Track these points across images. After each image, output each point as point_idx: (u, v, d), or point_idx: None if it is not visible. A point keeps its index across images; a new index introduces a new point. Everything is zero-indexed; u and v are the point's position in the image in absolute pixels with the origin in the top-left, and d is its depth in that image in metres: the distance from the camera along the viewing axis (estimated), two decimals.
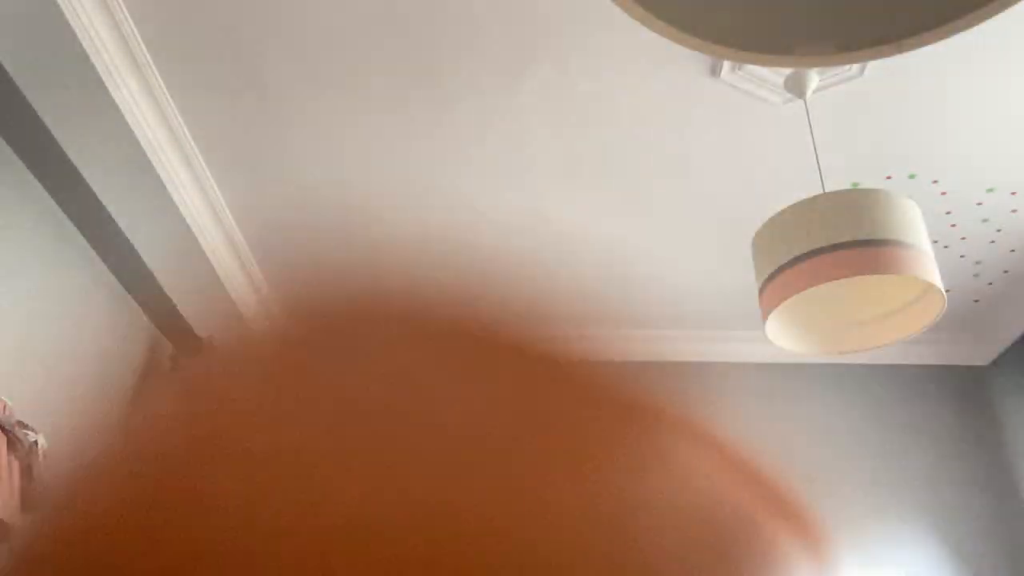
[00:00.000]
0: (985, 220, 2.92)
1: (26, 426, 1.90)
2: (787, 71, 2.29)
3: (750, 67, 2.34)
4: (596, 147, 2.65)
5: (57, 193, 2.31)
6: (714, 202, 2.89)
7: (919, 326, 1.96)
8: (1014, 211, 2.86)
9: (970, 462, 3.40)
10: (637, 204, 2.91)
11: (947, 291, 3.32)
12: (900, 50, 0.72)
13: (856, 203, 1.84)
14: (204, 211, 2.92)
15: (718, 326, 3.66)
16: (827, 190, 2.71)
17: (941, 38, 0.70)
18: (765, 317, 1.95)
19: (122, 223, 2.44)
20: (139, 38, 2.29)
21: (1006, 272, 3.21)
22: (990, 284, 3.29)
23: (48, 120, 2.05)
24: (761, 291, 1.96)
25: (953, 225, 2.95)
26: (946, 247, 3.06)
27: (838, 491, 3.36)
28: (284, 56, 2.34)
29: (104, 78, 2.27)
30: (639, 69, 2.35)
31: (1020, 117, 2.48)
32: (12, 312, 2.18)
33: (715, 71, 2.35)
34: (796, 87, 2.28)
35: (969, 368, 3.62)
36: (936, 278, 1.80)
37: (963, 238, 3.01)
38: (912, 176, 2.73)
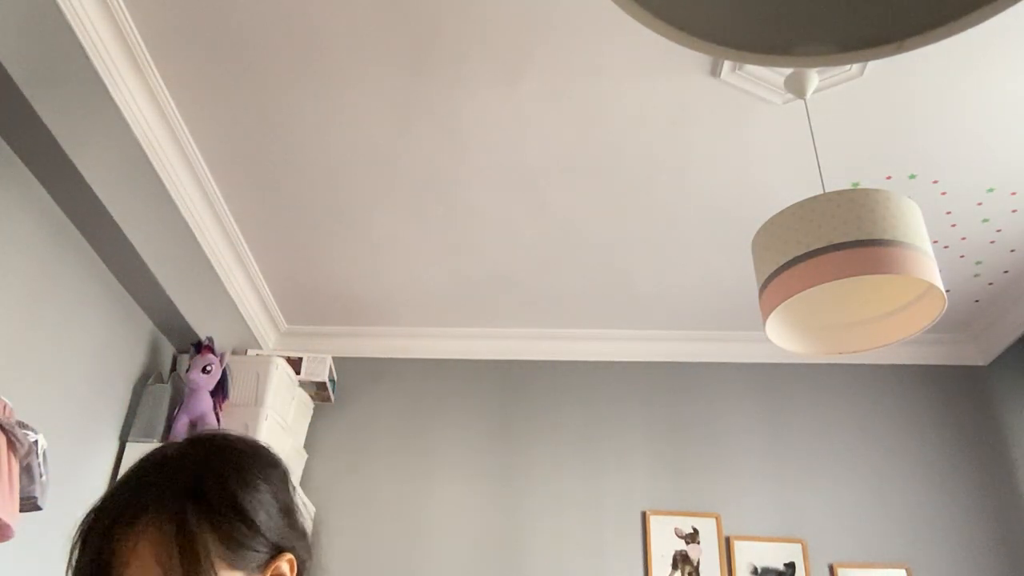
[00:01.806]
0: (985, 220, 2.92)
1: (26, 426, 1.90)
2: (787, 71, 2.29)
3: (750, 67, 2.34)
4: (596, 147, 2.65)
5: (57, 193, 2.31)
6: (714, 202, 2.88)
7: (919, 326, 1.96)
8: (1014, 211, 2.87)
9: (970, 462, 3.40)
10: (637, 204, 2.91)
11: (947, 291, 3.33)
12: (900, 50, 0.72)
13: (856, 203, 1.83)
14: (204, 211, 2.92)
15: (718, 326, 3.66)
16: (827, 190, 2.71)
17: (941, 38, 0.70)
18: (765, 317, 1.95)
19: (122, 223, 2.44)
20: (139, 38, 2.29)
21: (1006, 272, 3.21)
22: (990, 284, 3.29)
23: (48, 120, 2.05)
24: (761, 291, 1.96)
25: (953, 225, 2.95)
26: (946, 247, 3.06)
27: (838, 490, 3.36)
28: (284, 56, 2.34)
29: (104, 77, 2.27)
30: (639, 69, 2.35)
31: (1020, 117, 2.48)
32: (12, 312, 2.18)
33: (715, 71, 2.35)
34: (796, 87, 2.28)
35: (969, 368, 3.62)
36: (936, 278, 1.80)
37: (963, 238, 3.01)
38: (912, 176, 2.73)
